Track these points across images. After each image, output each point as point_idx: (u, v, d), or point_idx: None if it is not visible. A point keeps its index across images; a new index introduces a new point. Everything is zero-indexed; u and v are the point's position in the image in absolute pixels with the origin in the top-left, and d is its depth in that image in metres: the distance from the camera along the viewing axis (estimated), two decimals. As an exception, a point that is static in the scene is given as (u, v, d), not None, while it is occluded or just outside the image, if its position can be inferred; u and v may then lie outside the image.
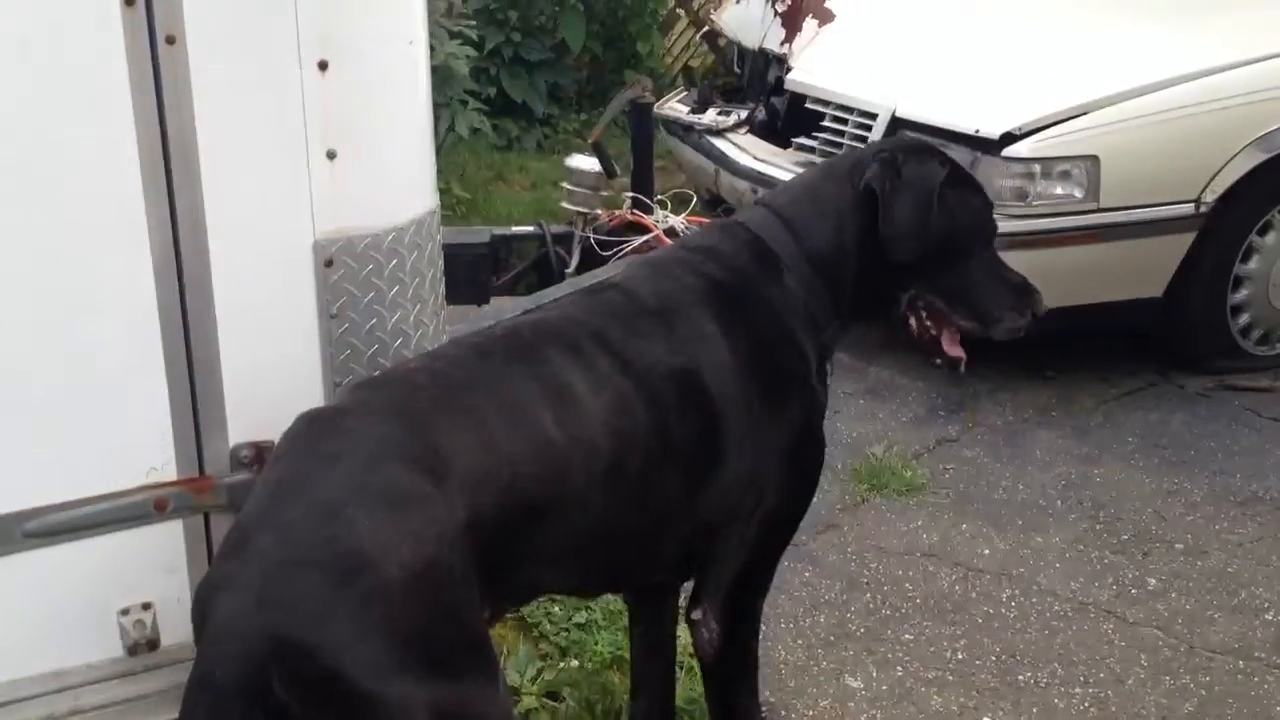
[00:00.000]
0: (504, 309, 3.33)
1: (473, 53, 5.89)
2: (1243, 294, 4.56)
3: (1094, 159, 4.21)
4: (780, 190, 2.46)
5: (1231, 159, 4.30)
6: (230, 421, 2.10)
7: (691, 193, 3.99)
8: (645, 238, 3.59)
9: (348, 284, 2.10)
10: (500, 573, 1.92)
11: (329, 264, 2.08)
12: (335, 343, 2.13)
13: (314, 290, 2.09)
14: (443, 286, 2.31)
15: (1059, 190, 4.24)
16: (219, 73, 1.93)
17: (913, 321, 2.41)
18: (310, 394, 2.11)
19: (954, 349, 2.42)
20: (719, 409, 2.16)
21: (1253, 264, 4.53)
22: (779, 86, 5.10)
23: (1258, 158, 4.31)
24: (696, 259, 2.30)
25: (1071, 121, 4.22)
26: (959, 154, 4.21)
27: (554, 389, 2.00)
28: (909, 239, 2.29)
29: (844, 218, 2.32)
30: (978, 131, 4.22)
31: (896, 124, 4.48)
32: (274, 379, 2.10)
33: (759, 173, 4.78)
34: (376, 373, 2.09)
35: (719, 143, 5.07)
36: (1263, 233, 4.50)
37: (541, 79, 6.82)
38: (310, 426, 1.86)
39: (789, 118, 5.01)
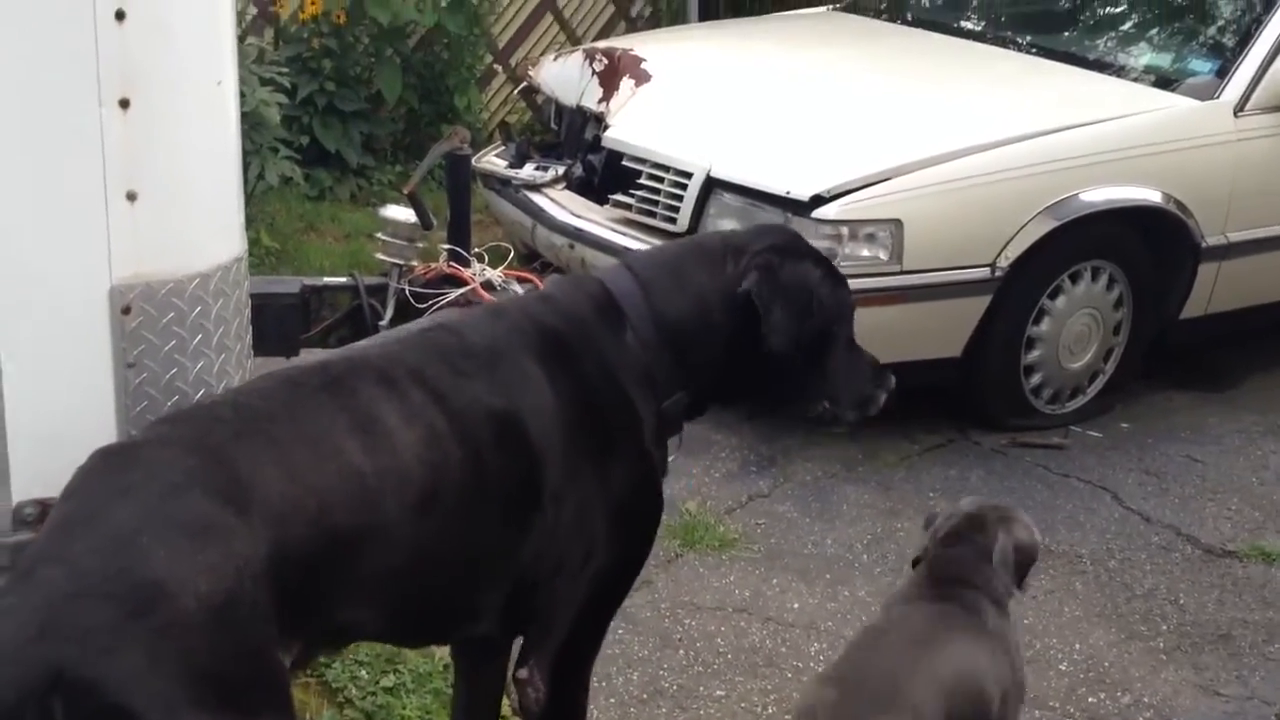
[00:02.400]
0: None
1: (285, 100, 5.77)
2: (1035, 355, 4.77)
3: (898, 222, 4.36)
4: (646, 253, 2.51)
5: (1024, 226, 4.50)
6: (14, 477, 2.00)
7: (509, 246, 3.97)
8: (461, 290, 3.53)
9: (146, 332, 2.02)
10: (307, 610, 1.86)
11: (126, 311, 1.99)
12: (132, 393, 2.04)
13: (109, 338, 2.00)
14: (249, 336, 2.23)
15: (865, 252, 4.37)
16: (11, 106, 1.83)
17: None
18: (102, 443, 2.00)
19: None
20: (537, 453, 2.14)
21: (1044, 326, 4.74)
22: (596, 144, 5.14)
23: (1049, 225, 4.53)
24: (534, 306, 2.30)
25: (877, 186, 4.37)
26: (770, 214, 4.35)
27: (364, 421, 1.96)
28: (786, 338, 2.34)
29: (709, 305, 2.35)
30: (788, 193, 4.33)
31: (711, 184, 4.56)
32: (64, 432, 1.99)
33: (575, 228, 4.80)
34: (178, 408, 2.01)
35: (536, 198, 5.07)
36: (1053, 297, 4.72)
37: (356, 129, 6.71)
38: (104, 460, 1.80)
39: (605, 175, 5.05)
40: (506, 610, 2.24)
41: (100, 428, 2.02)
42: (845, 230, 4.31)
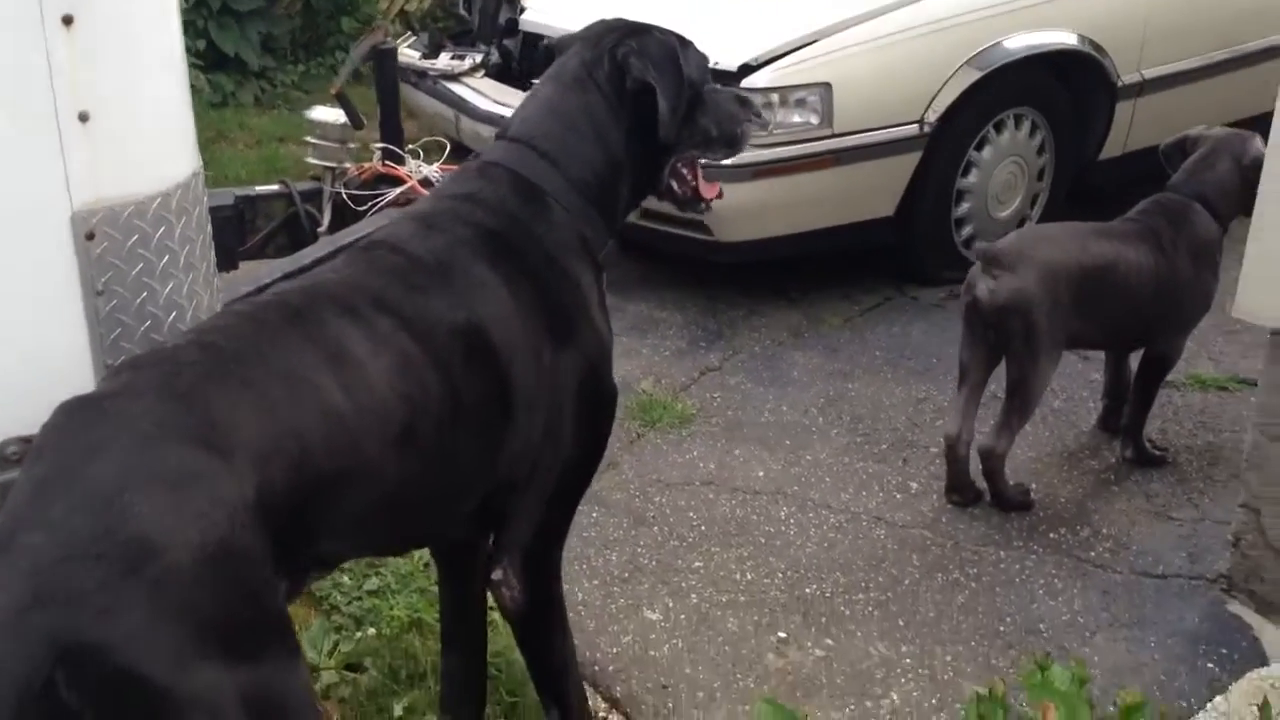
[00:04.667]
0: (259, 274, 3.18)
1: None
2: (965, 207, 4.83)
3: (826, 85, 4.35)
4: (520, 119, 2.34)
5: (949, 79, 4.53)
6: (-8, 416, 1.93)
7: (444, 140, 3.88)
8: (400, 189, 3.47)
9: (113, 257, 1.95)
10: (296, 547, 1.84)
11: (90, 237, 1.92)
12: (104, 321, 1.98)
13: (76, 266, 1.93)
14: (213, 252, 2.17)
15: (796, 118, 4.36)
16: (-52, 32, 1.74)
17: (675, 185, 2.45)
18: (80, 378, 1.96)
19: (710, 189, 2.50)
20: (506, 361, 2.12)
21: (972, 178, 4.80)
22: (510, 28, 5.03)
23: (972, 76, 4.56)
24: (463, 208, 2.21)
25: (803, 50, 4.35)
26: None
27: (335, 354, 1.90)
28: (678, 117, 2.29)
29: (604, 127, 2.28)
30: (716, 64, 4.25)
31: (634, 60, 4.49)
32: (39, 366, 1.93)
33: (500, 116, 4.70)
34: (138, 353, 1.95)
35: (456, 88, 4.96)
36: (979, 148, 4.77)
37: (253, 29, 6.50)
38: (70, 416, 1.71)
39: (524, 59, 4.95)
40: (482, 513, 2.24)
41: (75, 359, 1.97)
42: (775, 97, 4.29)
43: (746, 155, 4.20)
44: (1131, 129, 5.11)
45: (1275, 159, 2.88)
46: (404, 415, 1.95)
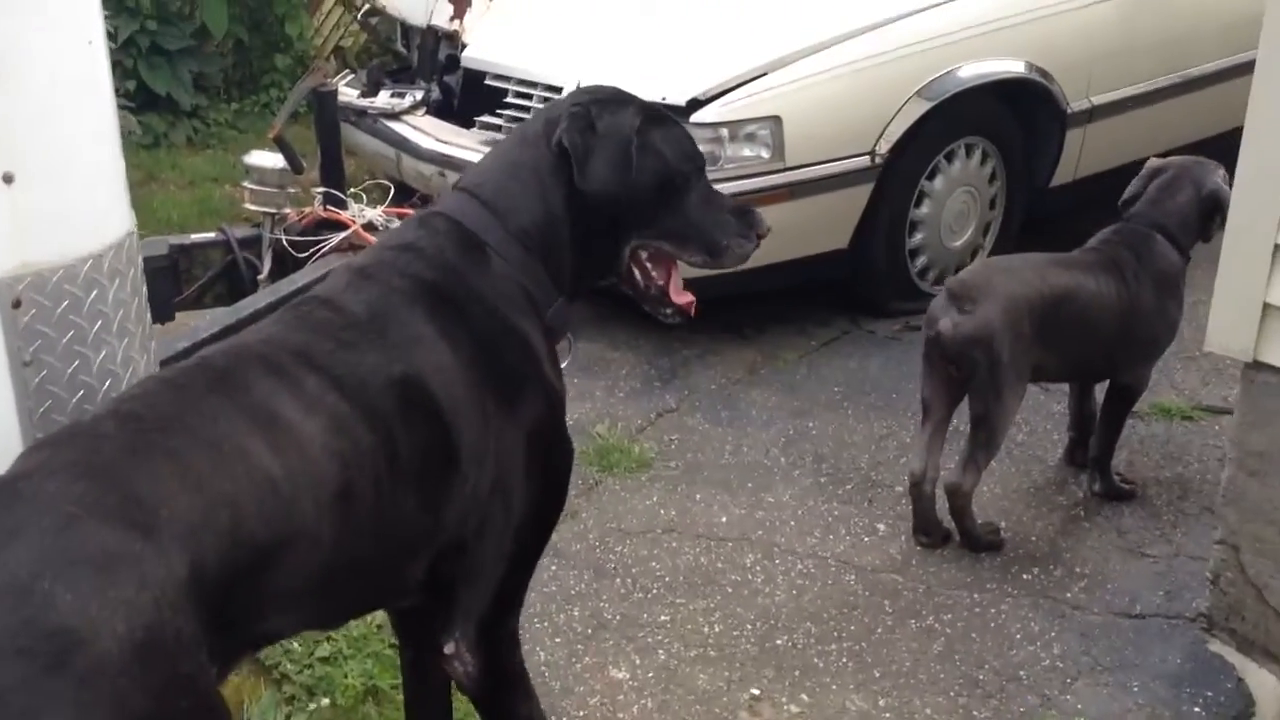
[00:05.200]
0: (199, 327, 3.04)
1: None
2: (918, 238, 4.78)
3: (776, 119, 4.28)
4: (476, 169, 2.29)
5: (899, 110, 4.48)
6: (-90, 501, 1.77)
7: (389, 183, 3.76)
8: (343, 234, 3.34)
9: (42, 325, 1.82)
10: (235, 624, 1.73)
11: (17, 305, 1.79)
12: (33, 393, 1.84)
13: (1, 337, 1.79)
14: (149, 315, 2.04)
15: (747, 152, 4.28)
16: None
17: (637, 274, 2.30)
18: (7, 455, 1.81)
19: (681, 295, 2.34)
20: (448, 416, 2.01)
21: (925, 209, 4.74)
22: (451, 64, 4.92)
23: (922, 107, 4.51)
24: (401, 259, 2.12)
25: (753, 83, 4.28)
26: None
27: (263, 417, 1.80)
28: (610, 191, 2.18)
29: (545, 183, 2.19)
30: (664, 99, 4.18)
31: (581, 96, 4.40)
32: (-39, 445, 1.79)
33: (443, 155, 4.59)
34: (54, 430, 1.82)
35: (397, 126, 4.84)
36: (931, 178, 4.72)
37: (185, 68, 6.33)
38: None
39: (465, 96, 4.84)
40: (432, 577, 2.12)
41: (4, 434, 1.83)
42: (725, 132, 4.21)
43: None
44: (1082, 156, 5.09)
45: (1241, 193, 2.83)
46: (339, 474, 1.85)
